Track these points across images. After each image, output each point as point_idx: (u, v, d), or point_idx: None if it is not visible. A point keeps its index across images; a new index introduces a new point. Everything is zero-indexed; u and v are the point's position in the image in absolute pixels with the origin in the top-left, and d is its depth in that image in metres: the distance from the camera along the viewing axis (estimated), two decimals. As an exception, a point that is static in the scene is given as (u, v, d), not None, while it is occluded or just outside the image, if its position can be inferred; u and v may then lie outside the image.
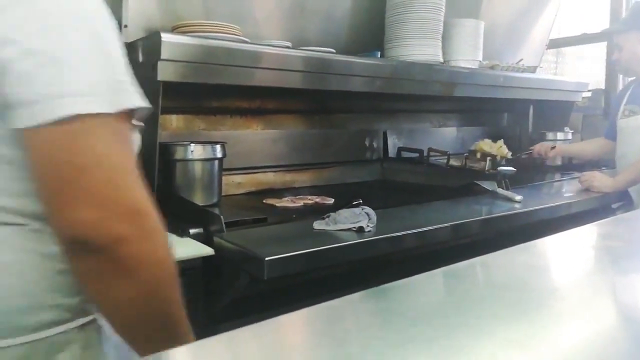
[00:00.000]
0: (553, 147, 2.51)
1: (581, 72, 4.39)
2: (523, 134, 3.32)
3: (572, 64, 4.54)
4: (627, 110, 2.11)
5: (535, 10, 3.17)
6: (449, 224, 1.48)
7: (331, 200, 1.86)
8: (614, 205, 2.11)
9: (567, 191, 2.16)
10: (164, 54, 1.43)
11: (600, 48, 3.74)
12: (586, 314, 0.63)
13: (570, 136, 3.07)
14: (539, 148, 2.58)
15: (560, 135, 3.04)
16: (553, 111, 3.18)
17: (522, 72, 2.67)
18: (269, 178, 2.19)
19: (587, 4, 4.03)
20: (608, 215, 2.09)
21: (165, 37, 1.42)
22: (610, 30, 2.16)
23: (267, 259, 1.10)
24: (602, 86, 3.55)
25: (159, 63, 1.44)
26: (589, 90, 3.36)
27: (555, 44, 3.83)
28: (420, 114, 2.86)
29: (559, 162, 2.90)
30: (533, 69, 2.84)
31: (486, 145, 2.34)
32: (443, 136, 2.92)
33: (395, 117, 2.73)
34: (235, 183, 2.07)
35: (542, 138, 3.06)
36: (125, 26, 1.65)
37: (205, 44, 1.52)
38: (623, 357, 0.54)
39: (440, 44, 2.24)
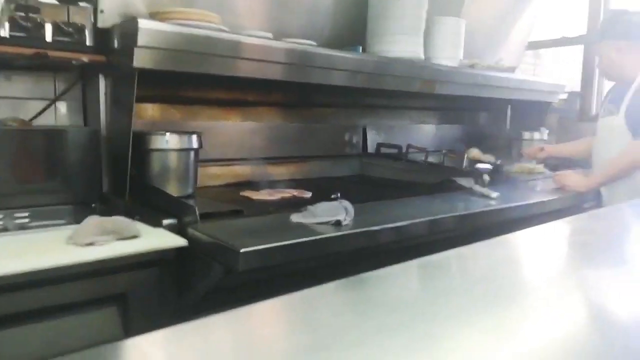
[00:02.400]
0: (542, 149, 2.55)
1: (558, 74, 4.47)
2: (501, 133, 3.36)
3: (550, 66, 4.62)
4: (606, 110, 2.15)
5: (516, 11, 3.21)
6: (425, 219, 1.48)
7: (309, 194, 1.85)
8: (585, 205, 2.15)
9: (542, 190, 2.19)
10: (141, 41, 1.39)
11: (578, 51, 3.81)
12: (558, 306, 0.63)
13: (546, 136, 3.12)
14: (528, 151, 2.62)
15: (536, 135, 3.09)
16: (530, 111, 3.22)
17: (502, 71, 2.70)
18: (247, 170, 2.16)
19: (566, 8, 4.09)
20: (579, 213, 2.13)
21: (142, 23, 1.39)
22: (587, 41, 2.20)
23: (242, 250, 1.08)
24: (578, 89, 3.62)
25: (135, 50, 1.40)
26: (565, 92, 3.42)
27: (534, 45, 3.89)
28: (400, 110, 2.86)
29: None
30: (512, 69, 2.88)
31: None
32: (422, 133, 2.94)
33: (375, 113, 2.73)
34: (212, 174, 2.03)
35: (519, 137, 3.11)
36: (102, 11, 1.60)
37: (183, 32, 1.48)
38: (593, 347, 0.54)
39: (421, 40, 2.25)
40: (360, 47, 2.11)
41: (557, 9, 4.09)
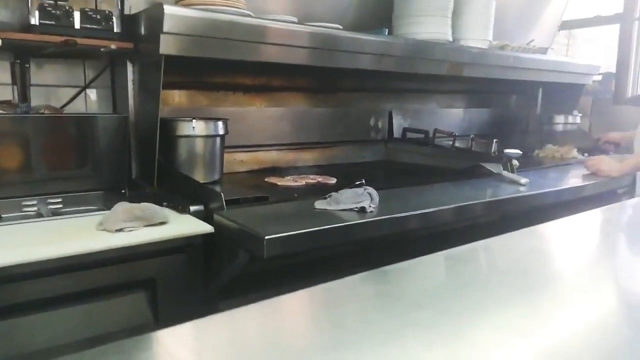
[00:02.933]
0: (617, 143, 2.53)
1: (592, 55, 4.31)
2: (531, 116, 3.28)
3: (583, 47, 4.45)
4: None
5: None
6: (452, 205, 1.46)
7: (333, 180, 1.84)
8: (619, 191, 2.08)
9: (573, 175, 2.13)
10: (167, 27, 1.40)
11: (613, 31, 3.66)
12: (587, 299, 0.62)
13: (578, 120, 3.03)
14: (605, 138, 2.61)
15: (570, 119, 3.00)
16: (562, 94, 3.12)
17: (533, 53, 2.61)
18: (272, 156, 2.17)
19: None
20: (613, 200, 2.07)
21: (168, 9, 1.39)
22: (624, 20, 2.09)
23: (267, 237, 1.09)
24: (613, 70, 3.48)
25: (161, 36, 1.41)
26: (599, 74, 3.30)
27: (567, 25, 3.75)
28: (426, 94, 2.81)
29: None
30: (544, 50, 2.79)
31: (552, 150, 2.63)
32: (449, 117, 2.88)
33: (402, 96, 2.69)
34: (238, 161, 2.05)
35: (550, 121, 3.02)
36: (128, -3, 1.62)
37: (208, 17, 1.48)
38: (622, 341, 0.52)
39: (449, 22, 2.19)
40: (387, 30, 2.07)
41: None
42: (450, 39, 2.20)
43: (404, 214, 1.35)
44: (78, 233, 1.16)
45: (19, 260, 1.01)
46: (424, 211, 1.39)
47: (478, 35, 2.33)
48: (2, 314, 1.05)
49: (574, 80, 2.93)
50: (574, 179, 2.05)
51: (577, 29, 4.09)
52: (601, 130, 3.27)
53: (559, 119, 2.98)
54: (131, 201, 1.56)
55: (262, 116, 2.15)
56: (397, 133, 2.56)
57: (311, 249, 1.21)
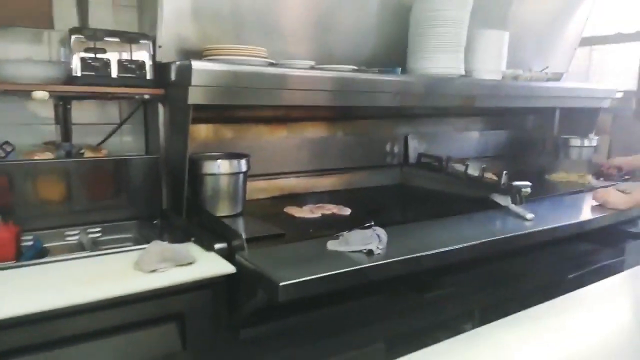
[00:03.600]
0: (619, 168, 2.63)
1: (614, 69, 4.30)
2: (548, 137, 3.33)
3: (605, 60, 4.44)
4: None
5: (566, 12, 3.13)
6: (457, 246, 1.56)
7: (348, 211, 1.97)
8: (626, 227, 2.14)
9: (581, 207, 2.20)
10: (195, 81, 1.54)
11: (635, 47, 3.66)
12: None
13: (594, 142, 3.07)
14: (606, 171, 2.72)
15: (586, 142, 3.05)
16: (579, 116, 3.16)
17: (547, 80, 2.67)
18: (291, 183, 2.30)
19: (622, 2, 3.91)
20: (618, 235, 2.14)
21: (195, 65, 1.53)
22: None
23: (281, 284, 1.22)
24: (634, 87, 3.49)
25: (190, 88, 1.55)
26: (619, 91, 3.32)
27: (587, 41, 3.76)
28: (442, 118, 2.90)
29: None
30: (559, 76, 2.84)
31: (567, 175, 2.74)
32: (465, 140, 2.97)
33: (418, 121, 2.78)
34: (259, 189, 2.19)
35: (566, 144, 3.08)
36: (160, 46, 1.77)
37: (232, 70, 1.62)
38: None
39: (462, 56, 2.28)
40: (400, 69, 2.18)
41: (612, 4, 3.92)
42: (463, 72, 2.28)
43: (409, 256, 1.46)
44: (117, 274, 1.31)
45: (66, 303, 1.17)
46: (429, 253, 1.50)
47: (490, 67, 2.41)
48: (49, 347, 1.21)
49: (590, 105, 2.98)
50: (581, 211, 2.12)
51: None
52: (621, 147, 3.30)
53: (575, 142, 3.03)
54: (162, 230, 1.73)
55: (282, 145, 2.28)
56: (412, 157, 2.66)
57: (322, 291, 1.33)
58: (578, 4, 3.15)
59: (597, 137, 3.11)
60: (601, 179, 2.72)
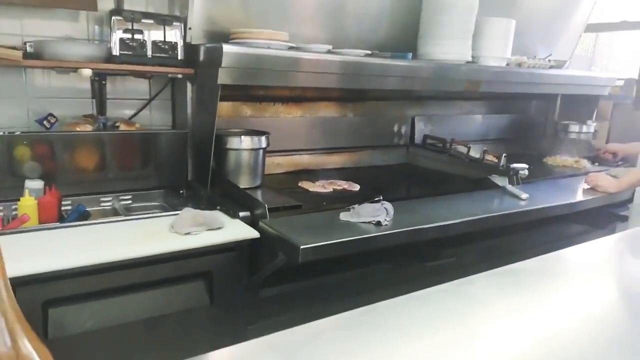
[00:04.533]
0: (614, 153, 2.75)
1: (619, 56, 4.39)
2: (549, 121, 3.47)
3: (611, 46, 4.53)
4: None
5: (572, 1, 3.23)
6: (456, 221, 1.74)
7: (357, 187, 2.13)
8: (614, 210, 2.30)
9: (574, 189, 2.36)
10: (224, 63, 1.69)
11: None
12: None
13: (592, 129, 3.21)
14: (603, 155, 2.85)
15: (584, 128, 3.19)
16: (580, 102, 3.30)
17: (549, 68, 2.80)
18: (305, 160, 2.46)
19: (631, -9, 3.99)
20: (608, 217, 2.31)
21: (226, 48, 1.68)
22: None
23: (302, 247, 1.39)
24: (635, 75, 3.60)
25: (219, 70, 1.70)
26: (620, 79, 3.44)
27: (593, 28, 3.86)
28: (448, 101, 3.03)
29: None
30: (562, 63, 2.96)
31: (563, 160, 2.88)
32: (469, 123, 3.11)
33: (425, 103, 2.92)
34: (275, 164, 2.35)
35: (566, 129, 3.22)
36: (190, 28, 1.91)
37: (257, 53, 1.77)
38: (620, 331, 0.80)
39: (470, 43, 2.40)
40: (410, 54, 2.31)
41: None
42: (470, 58, 2.42)
43: (413, 228, 1.64)
44: (155, 235, 1.49)
45: (115, 258, 1.35)
46: (431, 225, 1.68)
47: (496, 53, 2.54)
48: (97, 296, 1.39)
49: (591, 92, 3.10)
50: (573, 194, 2.28)
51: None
52: (620, 134, 3.44)
53: (574, 127, 3.17)
54: (188, 199, 1.90)
55: (297, 123, 2.43)
56: (418, 138, 2.82)
57: (337, 255, 1.51)
58: (585, -7, 3.25)
59: (595, 124, 3.25)
60: (596, 164, 2.88)
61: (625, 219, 2.43)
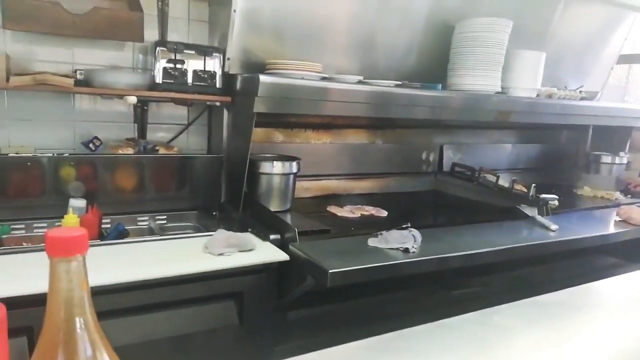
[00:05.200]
0: None
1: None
2: (580, 152, 3.44)
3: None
4: None
5: (604, 33, 3.24)
6: (485, 250, 1.74)
7: (385, 213, 2.16)
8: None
9: (605, 221, 2.33)
10: (260, 92, 1.77)
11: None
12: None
13: (625, 160, 3.17)
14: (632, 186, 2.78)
15: (617, 160, 3.15)
16: (613, 132, 3.27)
17: (580, 99, 2.80)
18: (333, 184, 2.51)
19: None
20: (635, 251, 2.26)
21: (263, 79, 1.76)
22: None
23: (330, 271, 1.43)
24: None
25: (256, 99, 1.78)
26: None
27: (626, 59, 3.83)
28: (477, 130, 3.06)
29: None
30: (593, 95, 2.96)
31: (595, 191, 2.87)
32: (498, 152, 3.12)
33: (454, 132, 2.95)
34: (304, 188, 2.41)
35: (597, 160, 3.19)
36: (229, 59, 2.01)
37: (290, 83, 1.85)
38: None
39: (499, 75, 2.44)
40: (440, 85, 2.36)
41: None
42: (500, 89, 2.44)
43: (440, 256, 1.66)
44: (190, 255, 1.55)
45: (152, 275, 1.41)
46: (457, 254, 1.69)
47: (526, 85, 2.56)
48: (132, 312, 1.45)
49: (623, 123, 3.07)
50: (604, 225, 2.26)
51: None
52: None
53: (606, 158, 3.14)
54: (221, 221, 1.96)
55: (327, 149, 2.50)
56: (446, 166, 2.84)
57: (364, 280, 1.54)
58: (617, 25, 3.25)
59: (628, 155, 3.21)
60: (629, 195, 2.83)
61: (659, 252, 2.38)
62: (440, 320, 0.95)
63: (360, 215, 2.13)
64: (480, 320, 0.97)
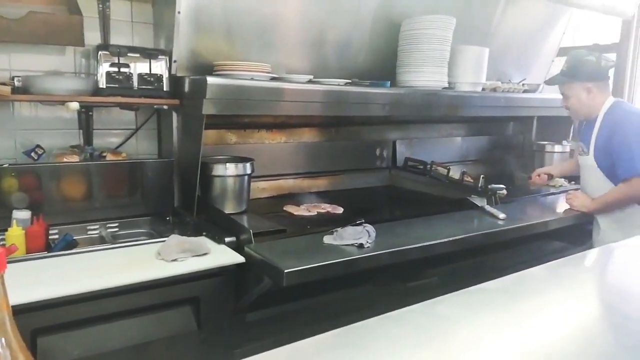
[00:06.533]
0: (541, 175, 2.73)
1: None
2: (526, 142, 3.58)
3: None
4: (581, 148, 2.38)
5: (544, 28, 3.38)
6: (435, 242, 1.79)
7: (341, 210, 2.19)
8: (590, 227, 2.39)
9: (550, 208, 2.44)
10: (209, 94, 1.75)
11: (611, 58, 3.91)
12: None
13: (568, 149, 3.32)
14: (534, 179, 2.74)
15: (558, 148, 3.29)
16: (556, 122, 3.41)
17: (523, 92, 2.91)
18: (289, 184, 2.52)
19: (599, 15, 4.17)
20: (586, 234, 2.39)
21: (210, 80, 1.74)
22: (553, 82, 2.39)
23: (286, 271, 1.43)
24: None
25: (204, 101, 1.76)
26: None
27: (565, 52, 4.00)
28: (428, 124, 3.13)
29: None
30: (535, 87, 3.08)
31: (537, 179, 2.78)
32: (449, 145, 3.21)
33: (406, 127, 3.01)
34: (260, 188, 2.40)
35: (542, 149, 3.32)
36: (175, 61, 1.97)
37: (240, 84, 1.84)
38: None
39: (446, 70, 2.50)
40: (389, 83, 2.40)
41: (590, 16, 4.18)
42: (446, 84, 2.51)
43: (394, 249, 1.69)
44: (142, 263, 1.52)
45: (103, 286, 1.38)
46: (411, 246, 1.73)
47: (471, 79, 2.65)
48: (85, 324, 1.41)
49: (564, 114, 3.21)
50: (550, 212, 2.36)
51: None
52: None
53: (550, 147, 3.28)
54: (175, 226, 1.93)
55: (282, 149, 2.50)
56: (400, 161, 2.89)
57: (320, 278, 1.55)
58: (556, 20, 3.40)
59: (571, 143, 3.36)
60: (572, 182, 2.97)
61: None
62: (385, 314, 0.96)
63: (316, 213, 2.15)
64: (423, 310, 1.00)
